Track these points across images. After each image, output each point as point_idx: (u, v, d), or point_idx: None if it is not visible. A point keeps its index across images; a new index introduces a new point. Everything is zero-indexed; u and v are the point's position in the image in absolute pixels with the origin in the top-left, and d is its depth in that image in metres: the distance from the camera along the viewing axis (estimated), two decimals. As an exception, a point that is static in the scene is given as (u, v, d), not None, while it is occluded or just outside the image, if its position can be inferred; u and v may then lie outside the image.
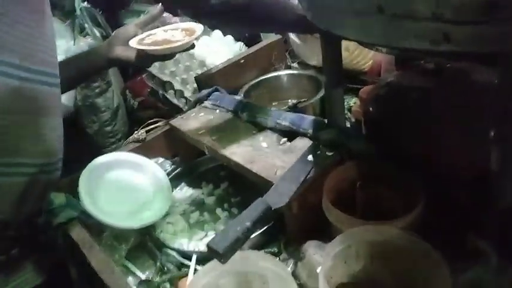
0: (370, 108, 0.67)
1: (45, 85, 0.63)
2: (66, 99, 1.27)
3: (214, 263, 0.53)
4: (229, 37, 1.15)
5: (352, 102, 0.92)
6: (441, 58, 0.57)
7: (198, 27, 0.76)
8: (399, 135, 0.61)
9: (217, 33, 1.15)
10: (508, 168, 0.46)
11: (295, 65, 1.03)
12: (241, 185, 0.82)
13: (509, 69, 0.40)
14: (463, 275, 0.50)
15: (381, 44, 0.45)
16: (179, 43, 0.72)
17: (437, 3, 0.35)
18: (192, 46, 0.77)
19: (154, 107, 1.12)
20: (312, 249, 0.57)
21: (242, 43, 1.13)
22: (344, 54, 0.97)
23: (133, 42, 0.74)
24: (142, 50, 0.73)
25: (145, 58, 0.76)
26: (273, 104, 0.97)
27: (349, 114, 0.89)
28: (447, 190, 0.57)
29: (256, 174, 0.64)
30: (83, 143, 1.28)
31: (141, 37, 0.76)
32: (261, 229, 0.63)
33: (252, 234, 0.53)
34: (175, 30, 0.78)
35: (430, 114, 0.59)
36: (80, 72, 0.79)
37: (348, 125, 0.82)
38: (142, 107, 1.22)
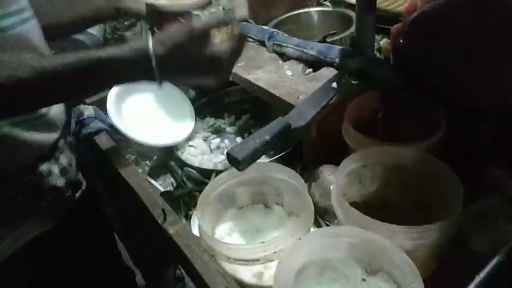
0: (401, 40, 0.65)
1: (24, 23, 0.53)
2: (96, 30, 1.28)
3: (231, 171, 0.55)
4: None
5: (381, 42, 0.89)
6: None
7: None
8: (428, 66, 0.60)
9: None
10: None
11: (326, 3, 1.00)
12: (263, 118, 0.83)
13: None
14: (475, 203, 0.51)
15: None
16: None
17: None
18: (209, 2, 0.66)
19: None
20: (327, 171, 0.58)
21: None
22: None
23: None
24: (153, 4, 0.65)
25: (156, 15, 0.65)
26: (301, 41, 0.95)
27: (378, 54, 0.86)
28: (469, 122, 0.56)
29: (279, 97, 0.65)
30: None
31: None
32: (278, 145, 0.63)
33: (270, 148, 0.54)
34: None
35: (462, 46, 0.57)
36: (80, 16, 0.69)
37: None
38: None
